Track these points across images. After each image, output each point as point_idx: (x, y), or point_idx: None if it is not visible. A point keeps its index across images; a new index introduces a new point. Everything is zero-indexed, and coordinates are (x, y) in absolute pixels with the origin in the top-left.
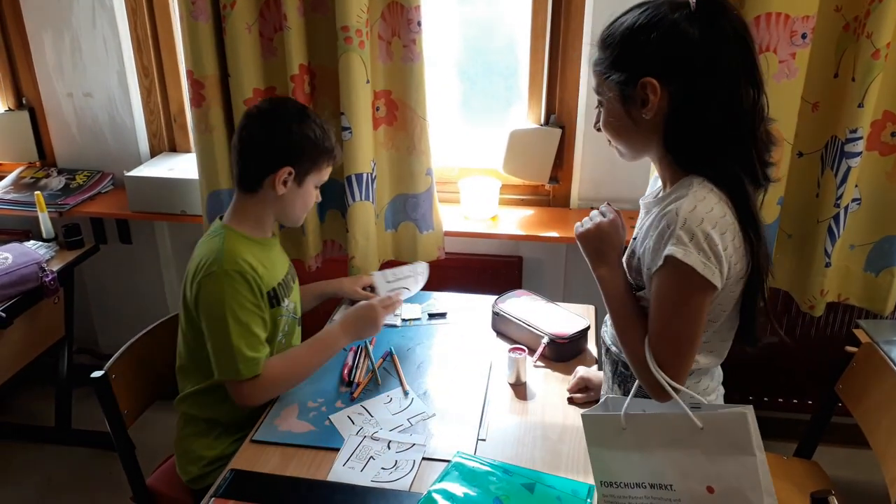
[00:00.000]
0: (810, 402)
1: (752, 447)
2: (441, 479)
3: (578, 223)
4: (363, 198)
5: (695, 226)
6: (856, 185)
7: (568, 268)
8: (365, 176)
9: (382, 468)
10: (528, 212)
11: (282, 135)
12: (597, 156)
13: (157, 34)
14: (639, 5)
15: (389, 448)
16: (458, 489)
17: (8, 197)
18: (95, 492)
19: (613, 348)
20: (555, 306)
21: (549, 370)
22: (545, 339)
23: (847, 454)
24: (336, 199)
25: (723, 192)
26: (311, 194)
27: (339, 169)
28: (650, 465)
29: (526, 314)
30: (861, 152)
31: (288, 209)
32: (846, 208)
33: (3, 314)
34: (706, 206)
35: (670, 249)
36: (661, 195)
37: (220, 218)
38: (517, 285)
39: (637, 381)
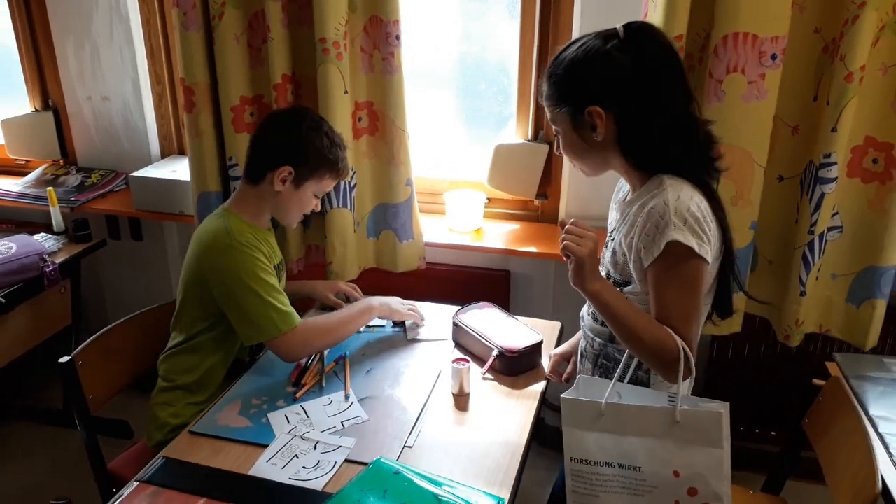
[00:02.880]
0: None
1: (720, 441)
2: (354, 481)
3: (569, 243)
4: (340, 205)
5: (685, 211)
6: (836, 213)
7: (556, 283)
8: (342, 184)
9: (304, 467)
10: (515, 226)
11: (291, 135)
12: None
13: (168, 44)
14: (577, 40)
15: (315, 448)
16: (368, 491)
17: (27, 191)
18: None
19: (598, 339)
20: (514, 321)
21: (496, 384)
22: (495, 352)
23: (818, 491)
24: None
25: (691, 182)
26: (308, 199)
27: None
28: (622, 448)
29: (483, 326)
30: (836, 178)
31: (283, 208)
32: (822, 236)
33: (3, 300)
34: (686, 194)
35: (670, 235)
36: (631, 196)
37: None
38: (504, 299)
39: (625, 366)
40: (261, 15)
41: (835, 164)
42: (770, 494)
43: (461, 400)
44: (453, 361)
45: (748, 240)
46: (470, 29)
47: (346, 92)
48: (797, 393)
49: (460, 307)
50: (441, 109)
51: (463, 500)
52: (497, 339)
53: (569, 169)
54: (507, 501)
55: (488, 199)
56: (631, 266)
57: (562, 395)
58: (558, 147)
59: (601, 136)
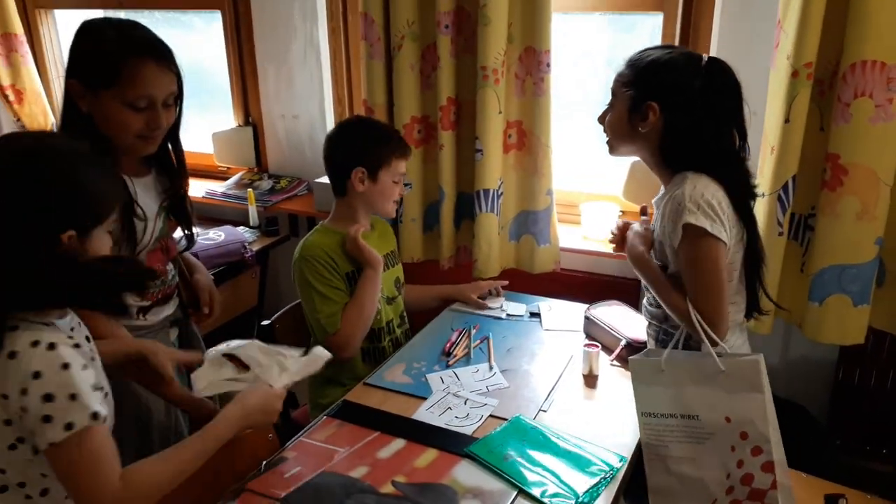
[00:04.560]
0: None
1: (761, 386)
2: (499, 430)
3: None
4: (488, 210)
5: (699, 198)
6: None
7: None
8: (491, 192)
9: (455, 417)
10: None
11: (351, 141)
12: None
13: (349, 71)
14: (667, 46)
15: (465, 404)
16: (510, 439)
17: (230, 192)
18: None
19: (654, 321)
20: (642, 317)
21: (623, 370)
22: (623, 342)
23: None
24: (470, 210)
25: (712, 177)
26: (390, 187)
27: (471, 184)
28: (681, 400)
29: (612, 320)
30: None
31: (373, 202)
32: None
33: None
34: (703, 184)
35: (685, 219)
36: (662, 192)
37: None
38: (636, 306)
39: (676, 336)
40: (433, 47)
41: None
42: (886, 500)
43: (590, 380)
44: (585, 345)
45: (873, 254)
46: (615, 56)
47: (500, 112)
48: None
49: (591, 304)
50: (585, 128)
51: (590, 452)
52: (625, 330)
53: None
54: (627, 460)
55: (623, 211)
56: (668, 252)
57: (630, 357)
58: (601, 117)
59: (645, 129)
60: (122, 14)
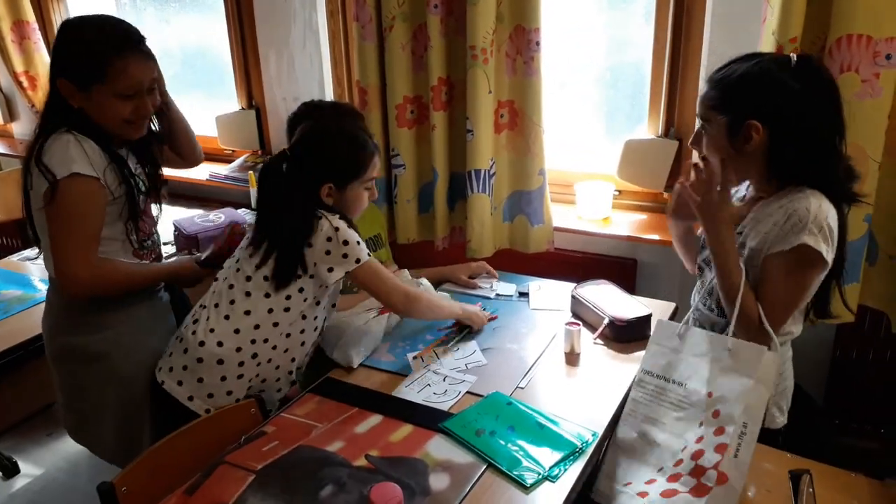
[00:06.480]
0: None
1: (754, 374)
2: (474, 406)
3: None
4: (480, 190)
5: (823, 220)
6: None
7: (683, 273)
8: (483, 172)
9: (434, 393)
10: (643, 217)
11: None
12: None
13: (349, 53)
14: (750, 56)
15: (444, 381)
16: (484, 415)
17: (234, 175)
18: None
19: (705, 310)
20: (629, 296)
21: (605, 348)
22: (606, 320)
23: None
24: (463, 190)
25: (826, 194)
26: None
27: (463, 164)
28: (678, 366)
29: (598, 299)
30: None
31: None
32: None
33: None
34: (826, 206)
35: (804, 238)
36: (767, 199)
37: None
38: (631, 285)
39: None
40: (423, 27)
41: None
42: (871, 478)
43: (572, 358)
44: (566, 324)
45: (862, 231)
46: (610, 34)
47: (490, 92)
48: None
49: (579, 283)
50: (582, 107)
51: (562, 428)
52: (609, 309)
53: None
54: (599, 435)
55: (619, 191)
56: (757, 258)
57: (659, 319)
58: (694, 141)
59: (752, 149)
60: None
